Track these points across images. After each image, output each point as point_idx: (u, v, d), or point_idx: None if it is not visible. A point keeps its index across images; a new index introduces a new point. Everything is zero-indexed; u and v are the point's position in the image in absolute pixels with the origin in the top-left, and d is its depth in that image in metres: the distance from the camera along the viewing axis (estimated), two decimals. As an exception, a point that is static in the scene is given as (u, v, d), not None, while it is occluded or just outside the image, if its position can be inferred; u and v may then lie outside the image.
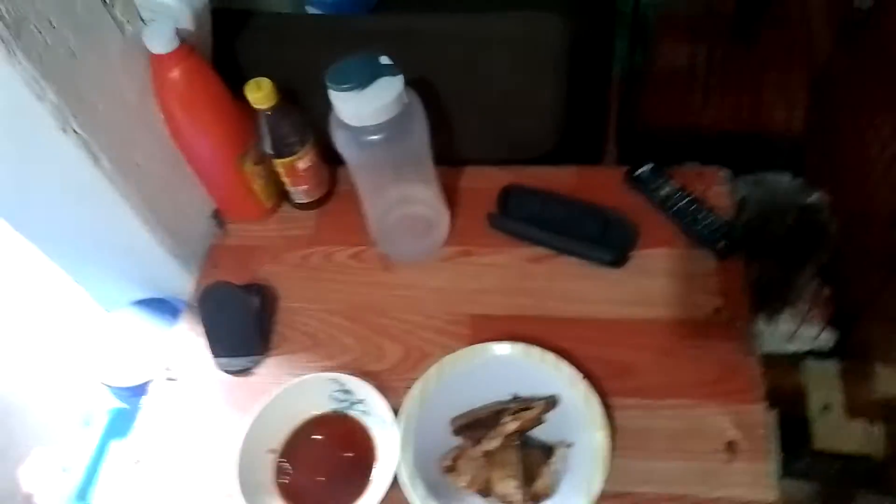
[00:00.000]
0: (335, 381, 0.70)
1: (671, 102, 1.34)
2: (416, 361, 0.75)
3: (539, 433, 0.67)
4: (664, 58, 1.38)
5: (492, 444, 0.63)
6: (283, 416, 0.70)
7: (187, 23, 0.73)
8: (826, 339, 1.22)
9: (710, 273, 0.77)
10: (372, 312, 0.80)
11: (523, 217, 0.83)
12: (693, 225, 0.79)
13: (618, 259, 0.79)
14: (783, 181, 1.19)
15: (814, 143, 1.30)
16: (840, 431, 1.18)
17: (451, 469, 0.64)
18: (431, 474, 0.63)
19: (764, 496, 0.63)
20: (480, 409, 0.67)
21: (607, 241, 0.79)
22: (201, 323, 0.77)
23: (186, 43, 0.71)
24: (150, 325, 0.83)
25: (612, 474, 0.62)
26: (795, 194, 1.15)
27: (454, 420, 0.67)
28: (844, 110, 1.24)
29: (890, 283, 1.20)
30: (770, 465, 0.65)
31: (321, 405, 0.71)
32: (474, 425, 0.66)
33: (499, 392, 0.68)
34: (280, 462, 0.69)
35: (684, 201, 0.81)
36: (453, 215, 0.85)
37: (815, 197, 1.17)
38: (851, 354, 1.22)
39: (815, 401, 1.21)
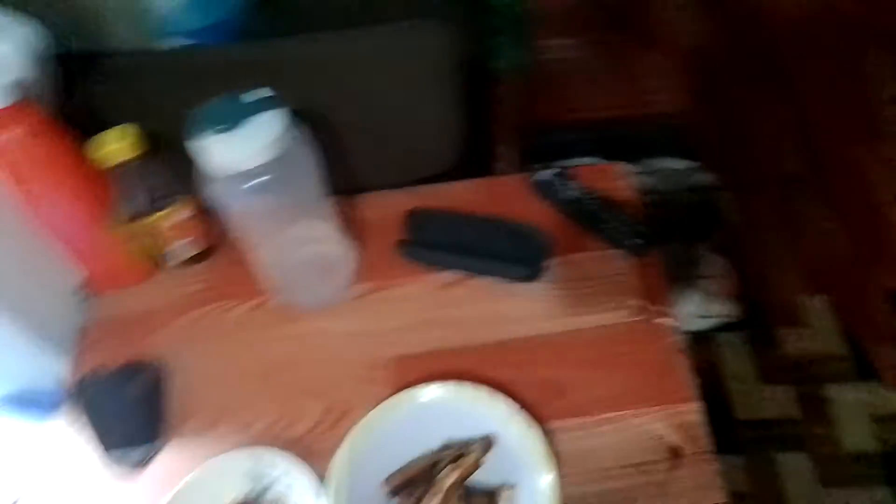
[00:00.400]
0: (250, 457, 0.63)
1: (561, 97, 1.35)
2: (340, 417, 0.68)
3: (480, 476, 0.62)
4: (548, 53, 1.38)
5: (434, 501, 0.58)
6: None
7: (26, 72, 0.63)
8: (733, 311, 1.26)
9: (629, 273, 0.76)
10: (283, 369, 0.73)
11: (432, 242, 0.79)
12: (604, 225, 0.78)
13: (533, 273, 0.76)
14: (674, 165, 1.22)
15: (699, 122, 1.34)
16: (757, 399, 1.22)
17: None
18: None
19: (715, 499, 0.62)
20: (414, 462, 0.62)
21: (520, 255, 0.76)
22: (84, 414, 0.67)
23: (27, 96, 0.61)
24: (20, 425, 0.71)
25: (565, 507, 0.59)
26: (687, 176, 1.18)
27: (388, 480, 0.61)
28: (722, 86, 1.28)
29: (783, 248, 1.26)
30: (715, 464, 0.64)
31: (237, 488, 0.63)
32: (410, 483, 0.61)
33: (434, 440, 0.64)
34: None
35: (591, 202, 0.80)
36: (359, 249, 0.79)
37: (705, 176, 1.21)
38: (757, 323, 1.27)
39: (729, 372, 1.25)
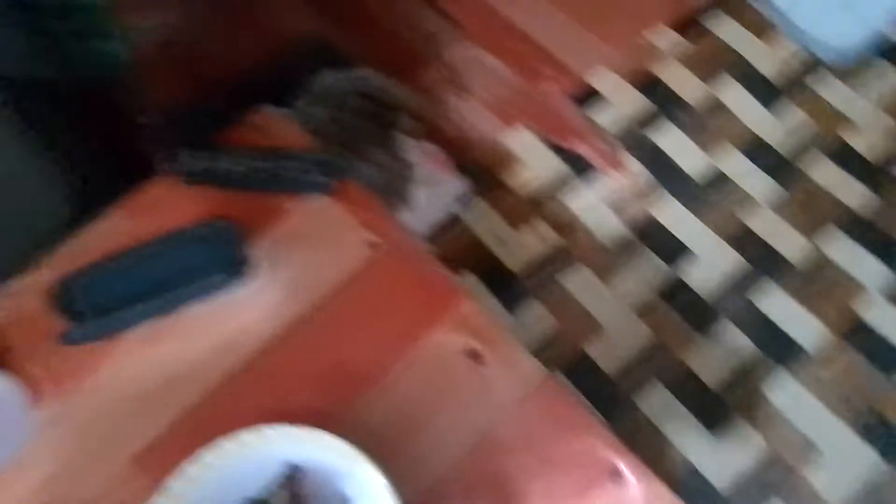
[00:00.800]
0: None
1: (176, 74, 1.17)
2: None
3: None
4: (143, 37, 1.18)
5: None
6: None
7: None
8: (459, 185, 1.25)
9: (339, 212, 0.67)
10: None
11: (105, 305, 0.62)
12: (283, 177, 0.67)
13: (233, 272, 0.63)
14: (333, 80, 1.13)
15: (334, 34, 1.26)
16: (519, 245, 1.26)
17: None
18: None
19: (537, 371, 0.59)
20: None
21: (216, 261, 0.63)
22: None
23: None
24: None
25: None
26: (349, 81, 1.10)
27: None
28: None
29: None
30: (517, 347, 0.60)
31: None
32: None
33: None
34: None
35: (256, 161, 0.68)
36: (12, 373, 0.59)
37: (361, 73, 1.14)
38: (482, 181, 1.29)
39: (486, 238, 1.26)
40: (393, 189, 1.06)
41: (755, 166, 1.33)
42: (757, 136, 1.35)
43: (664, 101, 1.37)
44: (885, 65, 1.41)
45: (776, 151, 1.33)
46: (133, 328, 0.62)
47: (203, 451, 0.52)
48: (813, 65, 1.41)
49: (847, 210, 1.28)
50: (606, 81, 1.39)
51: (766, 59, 1.42)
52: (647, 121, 1.36)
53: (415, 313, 0.62)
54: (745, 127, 1.36)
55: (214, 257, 0.63)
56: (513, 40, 1.42)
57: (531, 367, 0.59)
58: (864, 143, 1.34)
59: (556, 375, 0.62)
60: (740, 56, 1.42)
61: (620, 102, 1.37)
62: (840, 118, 1.36)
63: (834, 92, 1.38)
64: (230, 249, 0.63)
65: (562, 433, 0.57)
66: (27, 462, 0.57)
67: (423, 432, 0.57)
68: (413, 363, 0.60)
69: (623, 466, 0.55)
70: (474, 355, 0.60)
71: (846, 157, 1.32)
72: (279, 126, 0.72)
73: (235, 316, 0.63)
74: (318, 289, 0.63)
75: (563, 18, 1.44)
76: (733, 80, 1.39)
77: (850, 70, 1.40)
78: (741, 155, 1.34)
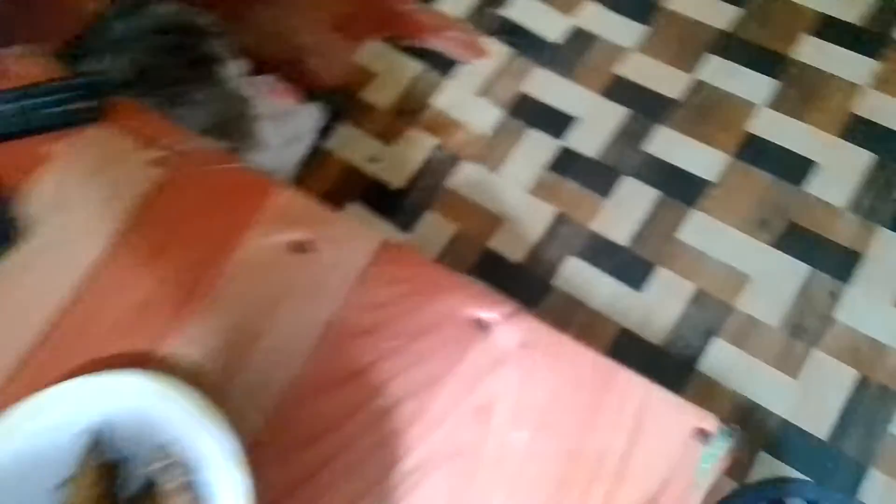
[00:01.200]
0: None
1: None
2: None
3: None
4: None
5: None
6: None
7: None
8: (314, 113, 1.15)
9: (113, 141, 0.56)
10: None
11: None
12: (41, 116, 0.56)
13: (6, 238, 0.53)
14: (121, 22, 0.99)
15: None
16: (396, 162, 1.17)
17: None
18: None
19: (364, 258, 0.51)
20: None
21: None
22: None
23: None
24: None
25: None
26: (144, 20, 0.97)
27: None
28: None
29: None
30: (350, 227, 0.52)
31: None
32: None
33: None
34: None
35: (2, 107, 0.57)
36: None
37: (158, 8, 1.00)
38: (338, 104, 1.19)
39: (357, 163, 1.17)
40: (232, 128, 0.95)
41: (613, 13, 1.26)
42: (609, -16, 1.28)
43: (508, -26, 1.29)
44: None
45: (630, -8, 1.27)
46: None
47: None
48: None
49: (714, 31, 1.23)
50: (444, -30, 1.30)
51: None
52: (496, -2, 1.28)
53: (225, 220, 0.53)
54: (595, -22, 1.28)
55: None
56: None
57: (365, 239, 0.51)
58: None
59: (397, 240, 0.53)
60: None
61: (463, -13, 1.28)
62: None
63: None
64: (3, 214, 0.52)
65: (415, 300, 0.49)
66: None
67: (265, 339, 0.49)
68: (235, 271, 0.51)
69: (486, 315, 0.48)
70: (300, 247, 0.51)
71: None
72: (24, 64, 0.61)
73: (18, 285, 0.52)
74: (110, 226, 0.54)
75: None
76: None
77: None
78: (597, 5, 1.27)
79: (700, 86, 1.19)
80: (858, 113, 1.15)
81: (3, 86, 0.58)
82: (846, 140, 1.13)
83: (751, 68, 1.20)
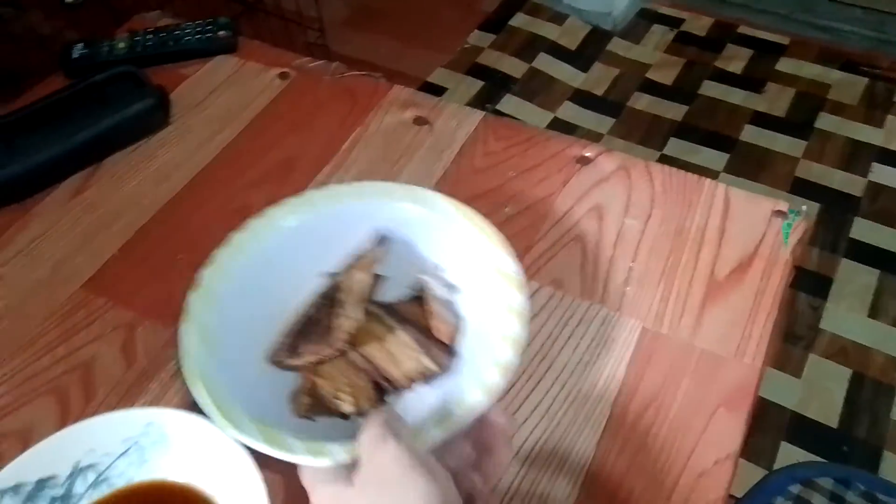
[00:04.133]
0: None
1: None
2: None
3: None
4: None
5: (349, 320, 0.41)
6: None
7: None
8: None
9: (246, 65, 0.67)
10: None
11: (28, 161, 0.56)
12: (187, 46, 0.67)
13: (157, 118, 0.61)
14: None
15: None
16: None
17: (315, 407, 0.40)
18: (283, 421, 0.38)
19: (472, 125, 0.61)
20: (298, 315, 0.43)
21: (136, 111, 0.60)
22: None
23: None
24: None
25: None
26: None
27: (275, 354, 0.41)
28: None
29: None
30: (458, 108, 0.63)
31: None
32: (303, 334, 0.42)
33: (295, 292, 0.44)
34: None
35: (151, 40, 0.67)
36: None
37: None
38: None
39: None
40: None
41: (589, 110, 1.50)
42: None
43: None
44: None
45: None
46: (60, 183, 0.57)
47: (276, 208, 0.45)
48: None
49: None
50: None
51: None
52: None
53: (350, 108, 0.63)
54: None
55: (132, 105, 0.60)
56: None
57: (472, 115, 0.62)
58: None
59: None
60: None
61: None
62: None
63: None
64: (147, 97, 0.60)
65: (522, 147, 0.59)
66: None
67: (397, 180, 0.56)
68: (363, 140, 0.60)
69: (588, 153, 0.58)
70: (421, 120, 0.61)
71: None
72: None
73: (164, 155, 0.59)
74: (245, 114, 0.62)
75: None
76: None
77: None
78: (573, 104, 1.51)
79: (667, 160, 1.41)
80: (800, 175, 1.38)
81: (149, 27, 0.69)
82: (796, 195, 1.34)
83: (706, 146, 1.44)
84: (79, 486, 0.38)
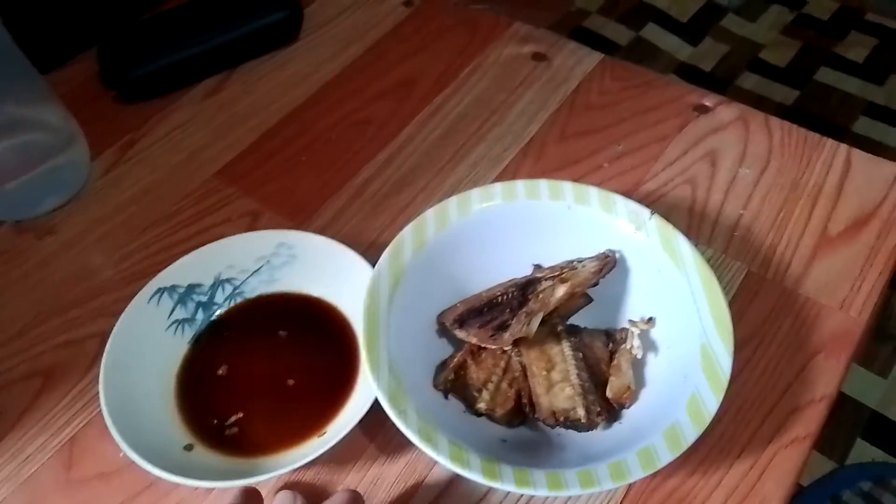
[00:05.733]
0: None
1: None
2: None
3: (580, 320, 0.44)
4: None
5: (524, 328, 0.38)
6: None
7: None
8: None
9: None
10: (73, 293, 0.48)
11: (157, 64, 0.60)
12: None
13: (292, 26, 0.64)
14: None
15: None
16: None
17: (455, 386, 0.40)
18: (424, 395, 0.39)
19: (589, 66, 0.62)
20: (485, 293, 0.42)
21: (272, 19, 0.63)
22: None
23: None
24: None
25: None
26: None
27: (444, 315, 0.42)
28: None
29: None
30: (576, 46, 0.63)
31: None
32: (480, 314, 0.40)
33: (494, 269, 0.44)
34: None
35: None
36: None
37: None
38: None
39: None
40: None
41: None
42: None
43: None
44: None
45: None
46: (198, 83, 0.61)
47: (506, 184, 0.44)
48: None
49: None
50: None
51: None
52: None
53: (476, 35, 0.64)
54: None
55: (269, 16, 0.63)
56: None
57: (592, 55, 0.62)
58: None
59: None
60: None
61: None
62: None
63: None
64: (283, 10, 0.63)
65: (640, 89, 0.59)
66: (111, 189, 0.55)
67: (496, 127, 0.57)
68: (481, 69, 0.62)
69: (707, 102, 0.58)
70: (539, 56, 0.62)
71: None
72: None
73: (293, 66, 0.63)
74: (370, 35, 0.65)
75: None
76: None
77: None
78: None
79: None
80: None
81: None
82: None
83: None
84: (218, 296, 0.45)
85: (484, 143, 0.56)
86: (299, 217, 0.52)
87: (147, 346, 0.42)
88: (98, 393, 0.41)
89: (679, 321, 0.39)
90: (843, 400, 1.05)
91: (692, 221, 0.50)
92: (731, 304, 0.39)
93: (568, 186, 0.44)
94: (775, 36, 1.60)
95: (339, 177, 0.54)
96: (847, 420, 1.03)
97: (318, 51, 0.64)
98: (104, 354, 0.40)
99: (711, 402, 0.34)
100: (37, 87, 0.51)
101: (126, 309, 0.42)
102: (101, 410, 0.39)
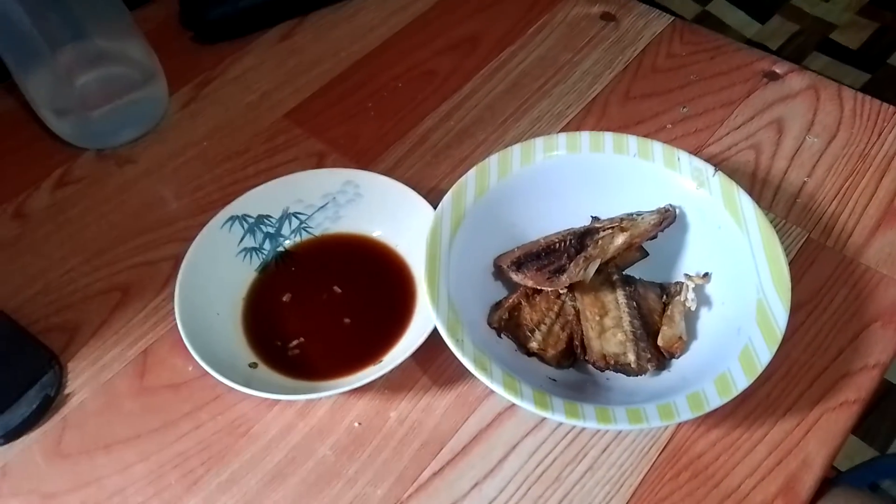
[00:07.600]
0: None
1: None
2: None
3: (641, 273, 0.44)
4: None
5: (581, 272, 0.39)
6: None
7: None
8: None
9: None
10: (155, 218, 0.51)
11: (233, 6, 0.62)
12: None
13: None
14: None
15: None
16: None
17: (508, 325, 0.41)
18: (478, 332, 0.40)
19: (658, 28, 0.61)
20: (543, 239, 0.43)
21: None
22: None
23: None
24: None
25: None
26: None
27: (501, 258, 0.43)
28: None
29: None
30: (644, 8, 0.63)
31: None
32: (537, 258, 0.41)
33: (552, 219, 0.45)
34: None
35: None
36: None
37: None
38: None
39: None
40: None
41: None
42: None
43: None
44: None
45: None
46: (271, 28, 0.63)
47: (570, 135, 0.45)
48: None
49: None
50: None
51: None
52: None
53: (541, -5, 0.64)
54: None
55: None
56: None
57: (662, 17, 0.62)
58: None
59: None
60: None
61: None
62: None
63: None
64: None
65: (709, 53, 0.59)
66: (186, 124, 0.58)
67: (560, 85, 0.58)
68: (548, 27, 0.62)
69: (778, 69, 0.57)
70: (607, 16, 0.62)
71: None
72: None
73: (362, 17, 0.64)
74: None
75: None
76: None
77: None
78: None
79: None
80: None
81: None
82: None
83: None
84: (285, 229, 0.47)
85: (547, 99, 0.56)
86: (363, 161, 0.53)
87: (218, 268, 0.44)
88: (170, 310, 0.43)
89: (736, 279, 0.39)
90: (889, 389, 1.03)
91: (754, 185, 0.50)
92: (789, 268, 0.39)
93: (633, 140, 0.44)
94: (850, 17, 1.54)
95: (403, 125, 0.56)
96: (891, 410, 1.01)
97: (388, 3, 0.65)
98: (179, 272, 0.42)
99: (764, 354, 0.35)
100: (124, 23, 0.53)
101: (200, 233, 0.44)
102: (172, 326, 0.42)
